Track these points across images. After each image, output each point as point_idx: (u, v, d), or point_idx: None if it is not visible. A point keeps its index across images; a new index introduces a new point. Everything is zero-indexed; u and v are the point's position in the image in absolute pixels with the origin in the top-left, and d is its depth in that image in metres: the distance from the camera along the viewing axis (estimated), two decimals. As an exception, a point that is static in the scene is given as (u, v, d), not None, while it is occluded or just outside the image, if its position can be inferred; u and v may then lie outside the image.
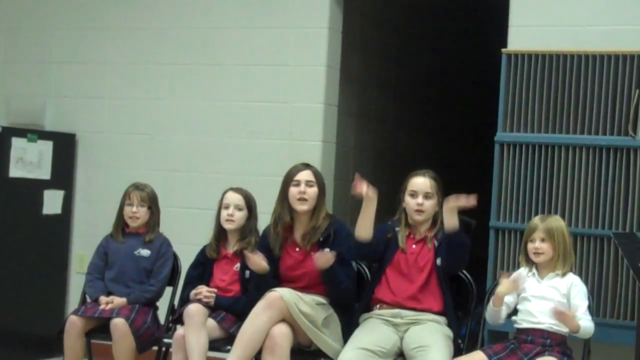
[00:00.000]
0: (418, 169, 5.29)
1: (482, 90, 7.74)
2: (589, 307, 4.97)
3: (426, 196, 5.18)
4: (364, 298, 5.27)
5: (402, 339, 5.02)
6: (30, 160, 6.95)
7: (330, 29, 6.70)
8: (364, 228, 5.12)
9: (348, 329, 5.15)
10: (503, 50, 5.92)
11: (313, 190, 5.32)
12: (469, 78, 9.74)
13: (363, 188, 5.05)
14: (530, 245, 5.02)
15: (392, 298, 5.15)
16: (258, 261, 5.20)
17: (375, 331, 5.03)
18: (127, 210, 5.83)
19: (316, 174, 5.39)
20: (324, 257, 5.08)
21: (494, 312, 5.00)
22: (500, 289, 4.96)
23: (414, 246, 5.22)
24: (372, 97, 8.05)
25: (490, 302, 5.02)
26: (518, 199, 5.79)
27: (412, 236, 5.24)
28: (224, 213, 5.61)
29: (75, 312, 5.58)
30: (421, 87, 8.97)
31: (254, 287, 5.28)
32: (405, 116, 8.69)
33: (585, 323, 4.83)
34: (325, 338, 5.07)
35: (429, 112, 9.23)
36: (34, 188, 6.99)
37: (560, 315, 4.77)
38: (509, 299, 5.02)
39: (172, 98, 7.06)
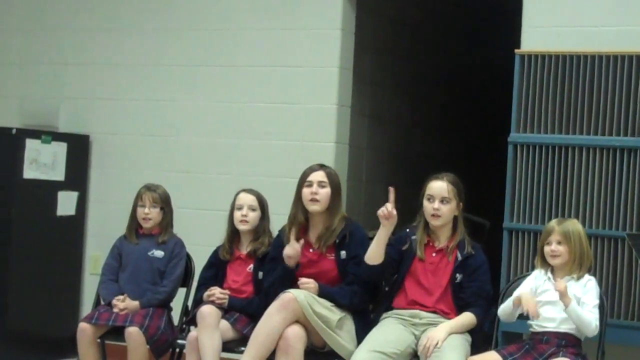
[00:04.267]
0: (435, 171, 5.24)
1: (496, 91, 7.73)
2: (601, 308, 4.95)
3: (443, 200, 5.12)
4: (380, 308, 5.24)
5: (417, 339, 5.01)
6: (45, 162, 6.97)
7: (343, 30, 6.70)
8: (376, 254, 5.10)
9: (362, 331, 5.14)
10: (516, 50, 5.91)
11: (325, 191, 5.31)
12: (483, 78, 9.72)
13: (389, 207, 5.02)
14: (546, 248, 5.00)
15: (411, 306, 5.13)
16: (296, 249, 5.20)
17: (390, 332, 5.02)
18: (140, 211, 5.83)
19: (330, 175, 5.37)
20: None
21: (510, 311, 4.98)
22: (525, 296, 4.92)
23: (433, 255, 5.18)
24: (385, 98, 8.04)
25: (509, 301, 4.99)
26: (532, 200, 5.77)
27: (431, 244, 5.20)
28: (237, 214, 5.62)
29: (88, 319, 5.57)
30: (435, 88, 8.95)
31: (277, 280, 5.27)
32: (419, 117, 8.68)
33: (587, 314, 4.80)
34: (339, 339, 5.07)
35: (443, 113, 9.21)
36: (48, 189, 7.01)
37: (559, 285, 4.76)
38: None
39: (186, 99, 7.06)
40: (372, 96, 7.75)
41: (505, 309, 5.02)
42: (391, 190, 5.08)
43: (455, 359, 4.80)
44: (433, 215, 5.14)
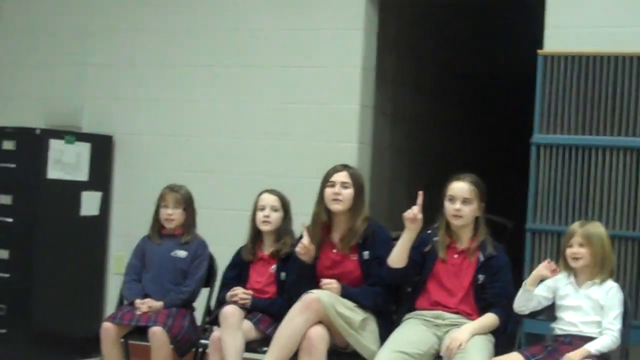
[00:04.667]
0: (456, 172, 5.23)
1: (519, 91, 7.72)
2: (625, 313, 4.93)
3: (464, 201, 5.11)
4: (403, 309, 5.24)
5: (440, 340, 5.00)
6: (68, 162, 7.01)
7: (365, 30, 6.71)
8: (400, 257, 5.12)
9: (385, 331, 5.14)
10: (539, 51, 5.90)
11: (348, 192, 5.31)
12: (506, 79, 9.70)
13: (415, 210, 5.02)
14: (568, 250, 4.99)
15: (433, 307, 5.13)
16: (309, 246, 5.21)
17: (413, 332, 5.02)
18: (162, 212, 5.85)
19: (353, 175, 5.36)
20: None
21: (525, 292, 4.97)
22: (539, 269, 4.94)
23: (455, 256, 5.16)
24: (407, 98, 8.04)
25: (524, 283, 5.00)
26: (554, 200, 5.76)
27: (453, 245, 5.19)
28: (259, 214, 5.62)
29: (111, 318, 5.59)
30: (457, 88, 8.95)
31: (295, 278, 5.29)
32: (441, 117, 8.68)
33: (604, 340, 4.79)
34: (362, 340, 5.07)
35: (465, 113, 9.20)
36: (72, 189, 7.05)
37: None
38: (542, 293, 5.01)
39: (208, 100, 7.09)
40: (394, 96, 7.75)
41: (519, 296, 5.00)
42: (420, 193, 5.08)
43: (479, 359, 4.79)
44: (454, 216, 5.12)
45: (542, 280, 5.01)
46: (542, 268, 4.95)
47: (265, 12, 6.95)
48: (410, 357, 4.87)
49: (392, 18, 7.38)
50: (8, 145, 6.91)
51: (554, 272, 4.94)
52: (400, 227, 5.16)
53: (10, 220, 6.87)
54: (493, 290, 5.07)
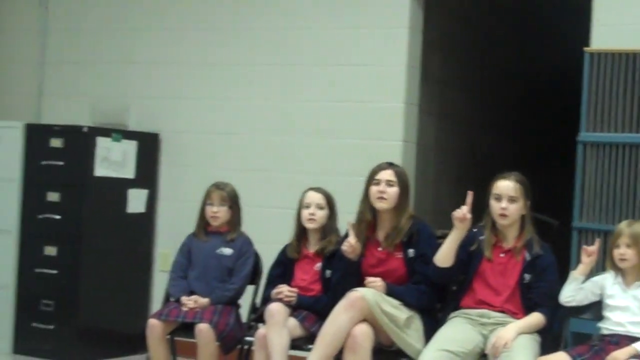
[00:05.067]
0: (502, 171, 5.20)
1: (566, 90, 7.67)
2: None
3: (510, 200, 5.08)
4: (448, 308, 5.23)
5: (485, 339, 4.99)
6: (115, 160, 7.06)
7: (410, 28, 6.69)
8: (447, 256, 5.10)
9: (430, 330, 5.13)
10: (586, 49, 5.86)
11: (393, 190, 5.31)
12: (552, 77, 9.65)
13: (464, 210, 5.02)
14: (615, 251, 4.95)
15: (479, 306, 5.12)
16: (356, 244, 5.22)
17: (458, 330, 5.01)
18: (208, 209, 5.87)
19: (399, 173, 5.36)
20: None
21: (573, 281, 4.97)
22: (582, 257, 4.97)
23: (501, 255, 5.14)
24: (453, 97, 8.02)
25: (572, 272, 4.99)
26: (601, 199, 5.72)
27: (499, 244, 5.16)
28: (305, 212, 5.63)
29: (157, 315, 5.63)
30: (503, 87, 8.91)
31: (341, 276, 5.30)
32: (486, 116, 8.65)
33: None
34: (407, 338, 5.06)
35: (511, 112, 9.16)
36: (119, 187, 7.10)
37: None
38: (589, 287, 4.98)
39: (253, 98, 7.11)
40: (439, 94, 7.73)
41: (566, 286, 4.98)
42: (470, 193, 5.07)
43: (525, 359, 4.78)
44: (500, 214, 5.10)
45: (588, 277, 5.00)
46: (583, 255, 4.96)
47: (310, 10, 6.96)
48: (456, 356, 4.86)
49: (438, 17, 7.36)
50: (56, 143, 6.99)
51: (591, 254, 4.94)
52: (445, 225, 5.15)
53: (58, 217, 6.94)
54: (539, 289, 5.05)
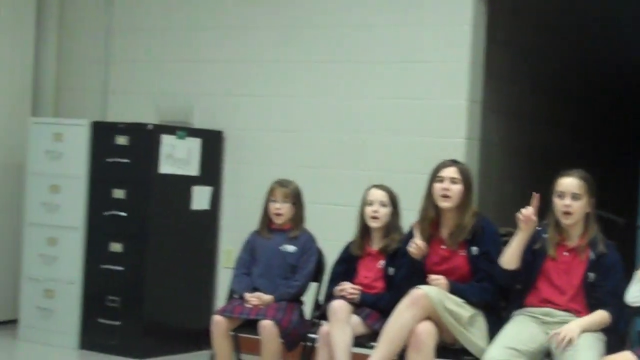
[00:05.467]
0: (566, 168, 5.14)
1: (632, 88, 7.58)
2: None
3: (574, 197, 5.02)
4: (512, 306, 5.19)
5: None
6: (180, 157, 7.11)
7: (474, 25, 6.65)
8: (512, 258, 5.07)
9: (494, 328, 5.10)
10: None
11: (457, 188, 5.29)
12: (622, 76, 9.53)
13: (529, 211, 4.98)
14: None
15: (543, 304, 5.08)
16: (422, 246, 5.22)
17: (523, 329, 4.97)
18: (271, 206, 5.90)
19: (462, 171, 5.34)
20: None
21: (638, 281, 4.89)
22: None
23: (565, 253, 5.09)
24: (517, 94, 7.96)
25: (636, 272, 4.91)
26: (668, 197, 5.66)
27: (563, 243, 5.11)
28: (368, 210, 5.62)
29: (221, 312, 5.67)
30: (568, 84, 8.82)
31: (405, 273, 5.29)
32: (551, 113, 8.57)
33: None
34: (470, 336, 5.05)
35: (576, 110, 9.07)
36: (183, 184, 7.15)
37: None
38: None
39: (316, 95, 7.12)
40: (503, 92, 7.68)
41: (632, 287, 4.92)
42: (535, 195, 5.03)
43: (590, 358, 4.74)
44: (564, 212, 5.03)
45: None
46: None
47: (372, 8, 6.95)
48: (521, 354, 4.83)
49: (502, 13, 7.31)
50: (121, 140, 7.06)
51: None
52: (508, 223, 5.11)
53: (124, 214, 7.02)
54: (604, 289, 4.99)
